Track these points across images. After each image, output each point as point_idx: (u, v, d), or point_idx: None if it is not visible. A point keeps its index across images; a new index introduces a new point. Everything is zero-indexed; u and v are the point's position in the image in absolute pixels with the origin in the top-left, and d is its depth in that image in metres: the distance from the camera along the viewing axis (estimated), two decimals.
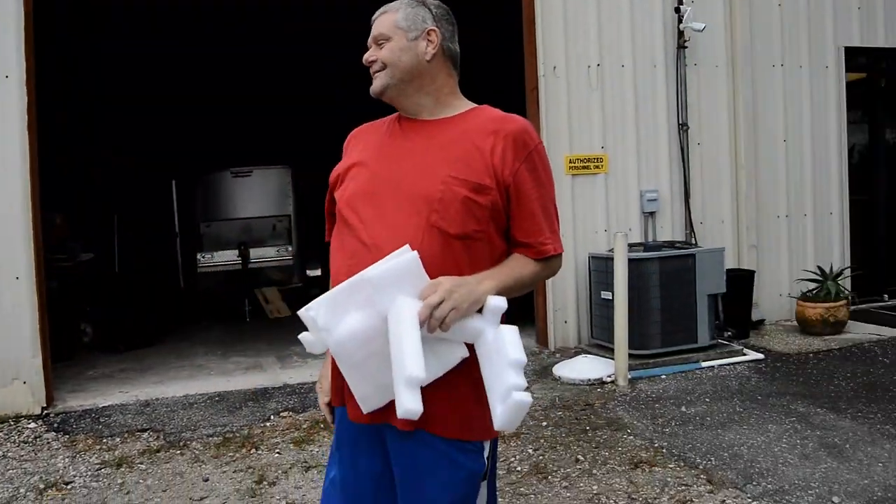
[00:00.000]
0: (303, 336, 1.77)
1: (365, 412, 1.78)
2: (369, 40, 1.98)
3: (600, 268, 6.33)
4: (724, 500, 3.46)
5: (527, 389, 1.63)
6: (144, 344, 7.97)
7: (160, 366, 7.08)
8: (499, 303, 1.72)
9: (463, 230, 1.79)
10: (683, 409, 4.87)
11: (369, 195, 1.87)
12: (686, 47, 7.11)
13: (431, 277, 1.71)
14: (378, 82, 1.95)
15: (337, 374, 1.87)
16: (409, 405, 1.57)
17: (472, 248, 1.81)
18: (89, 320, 8.19)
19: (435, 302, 1.65)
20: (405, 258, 1.68)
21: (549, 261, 1.93)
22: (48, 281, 5.97)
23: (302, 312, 1.73)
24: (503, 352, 1.65)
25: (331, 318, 1.69)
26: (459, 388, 1.78)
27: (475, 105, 2.00)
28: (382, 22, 1.96)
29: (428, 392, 1.64)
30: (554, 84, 6.81)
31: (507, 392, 1.60)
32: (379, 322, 1.67)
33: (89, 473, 4.26)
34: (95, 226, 10.48)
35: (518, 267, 1.87)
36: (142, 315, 8.22)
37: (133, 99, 11.94)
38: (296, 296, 10.34)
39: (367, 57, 1.97)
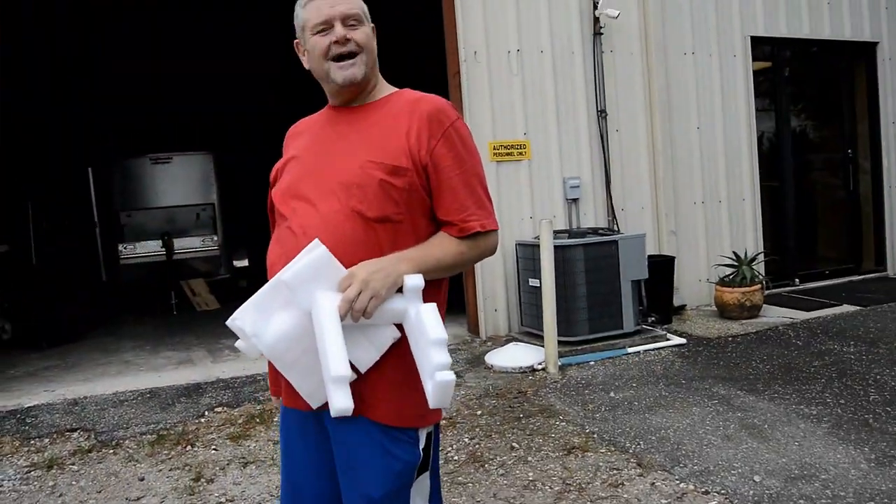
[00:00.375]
0: (238, 344, 1.79)
1: (314, 407, 1.82)
2: (334, 14, 1.88)
3: (527, 255, 6.48)
4: (654, 483, 3.62)
5: (459, 376, 1.70)
6: (67, 340, 7.77)
7: (86, 362, 6.93)
8: (416, 281, 1.74)
9: (382, 213, 1.81)
10: (612, 394, 5.06)
11: (299, 185, 1.91)
12: (602, 34, 7.27)
13: (357, 260, 1.75)
14: (358, 70, 1.90)
15: (273, 367, 1.90)
16: (340, 404, 1.62)
17: (394, 231, 1.82)
18: (7, 316, 7.93)
19: (352, 295, 1.67)
20: (315, 254, 1.70)
21: (476, 238, 1.88)
22: None
23: (229, 323, 1.76)
24: (425, 331, 1.67)
25: (258, 324, 1.72)
26: (393, 371, 1.81)
27: (396, 89, 2.02)
28: (351, 2, 1.91)
29: (366, 375, 1.71)
30: (476, 69, 6.87)
31: (433, 371, 1.64)
32: (305, 319, 1.70)
33: (18, 477, 4.16)
34: (9, 215, 10.06)
35: (438, 245, 1.85)
36: (63, 309, 7.99)
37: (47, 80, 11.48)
38: (223, 287, 10.23)
39: (342, 34, 1.88)
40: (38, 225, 10.31)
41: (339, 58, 1.89)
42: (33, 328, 7.65)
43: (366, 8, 1.97)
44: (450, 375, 1.65)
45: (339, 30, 1.88)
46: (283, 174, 2.01)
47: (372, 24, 1.97)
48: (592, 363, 5.85)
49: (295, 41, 2.02)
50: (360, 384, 1.76)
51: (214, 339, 7.52)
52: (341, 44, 1.88)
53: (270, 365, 1.93)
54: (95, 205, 10.97)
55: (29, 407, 5.46)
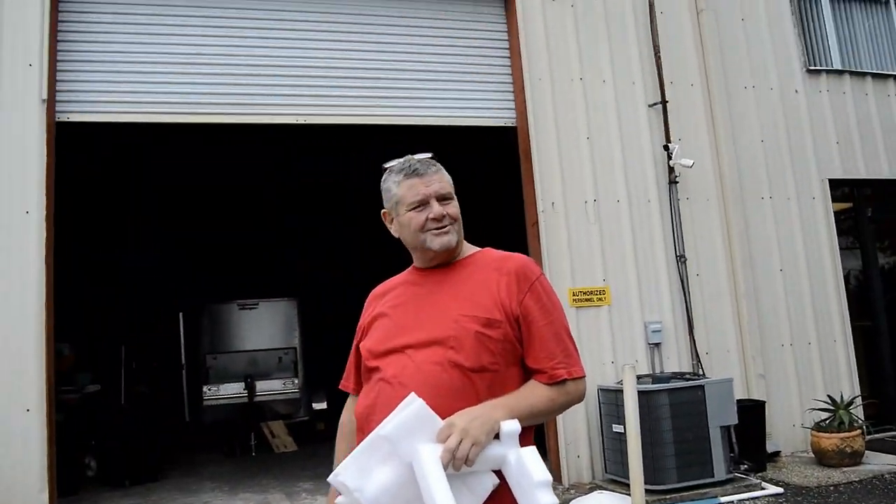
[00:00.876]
0: (338, 500, 1.80)
1: None
2: (430, 193, 2.04)
3: (610, 400, 6.37)
4: None
5: None
6: (149, 479, 7.87)
7: (166, 501, 6.98)
8: (512, 426, 1.79)
9: (478, 363, 1.89)
10: None
11: (390, 340, 2.01)
12: (677, 182, 7.45)
13: (454, 409, 1.80)
14: (453, 238, 2.05)
15: None
16: None
17: (489, 380, 1.90)
18: (94, 454, 8.11)
19: (454, 444, 1.71)
20: (413, 407, 1.76)
21: (565, 385, 1.95)
22: (55, 413, 5.97)
23: (331, 479, 1.79)
24: (528, 474, 1.70)
25: (359, 479, 1.75)
26: None
27: (478, 248, 2.16)
28: (444, 179, 2.09)
29: None
30: (553, 219, 7.07)
31: None
32: (406, 471, 1.73)
33: None
34: (102, 357, 10.50)
35: (530, 393, 1.91)
36: (147, 449, 8.13)
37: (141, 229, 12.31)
38: (302, 429, 10.27)
39: (441, 211, 2.03)
40: (129, 366, 10.71)
41: (436, 229, 2.04)
42: (118, 466, 7.78)
43: (450, 181, 2.13)
44: None
45: (436, 208, 2.04)
46: (370, 331, 2.12)
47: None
48: None
49: (383, 211, 2.18)
50: None
51: (292, 481, 7.48)
52: (438, 220, 2.04)
53: None
54: (184, 348, 11.36)
55: None
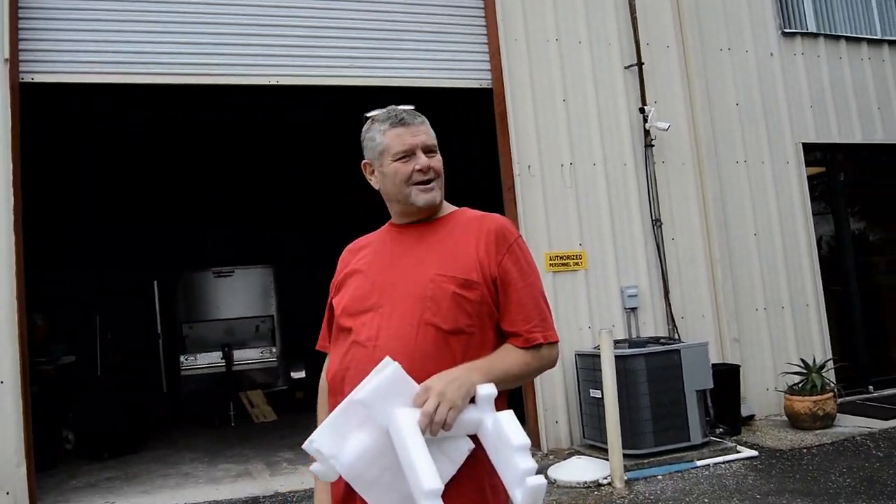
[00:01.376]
0: (313, 467, 1.78)
1: None
2: (417, 143, 2.00)
3: (587, 365, 6.41)
4: None
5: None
6: (128, 451, 7.84)
7: (146, 474, 6.95)
8: (489, 390, 1.76)
9: (455, 325, 1.87)
10: None
11: (365, 299, 1.97)
12: (653, 146, 7.43)
13: (430, 372, 1.77)
14: (437, 195, 2.02)
15: (341, 499, 1.89)
16: None
17: (465, 342, 1.87)
18: (71, 426, 8.06)
19: (431, 408, 1.68)
20: (388, 371, 1.72)
21: (540, 349, 1.93)
22: (30, 386, 5.89)
23: (306, 446, 1.75)
24: (506, 438, 1.68)
25: (334, 445, 1.72)
26: (470, 482, 1.81)
27: (455, 208, 2.12)
28: (429, 132, 2.05)
29: (446, 491, 1.68)
30: (530, 182, 7.04)
31: (522, 478, 1.64)
32: (382, 436, 1.71)
33: None
34: (77, 327, 10.38)
35: (505, 356, 1.89)
36: (125, 420, 8.09)
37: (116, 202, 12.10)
38: (281, 398, 10.26)
39: (426, 163, 1.99)
40: (104, 336, 10.59)
41: (422, 183, 2.00)
42: (96, 439, 7.74)
43: (435, 136, 2.09)
44: (541, 479, 1.65)
45: (422, 159, 2.00)
46: (343, 288, 2.07)
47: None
48: (660, 477, 5.65)
49: (364, 162, 2.12)
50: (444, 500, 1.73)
51: (272, 451, 7.50)
52: (424, 171, 2.00)
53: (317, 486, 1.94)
54: (159, 317, 11.25)
55: None
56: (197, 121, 9.99)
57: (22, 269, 5.62)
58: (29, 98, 5.94)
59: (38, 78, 5.92)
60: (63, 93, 6.72)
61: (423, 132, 2.03)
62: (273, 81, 6.59)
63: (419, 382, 1.76)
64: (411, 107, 2.09)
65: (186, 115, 9.63)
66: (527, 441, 1.69)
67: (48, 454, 7.09)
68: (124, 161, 11.42)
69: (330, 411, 1.82)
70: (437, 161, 2.04)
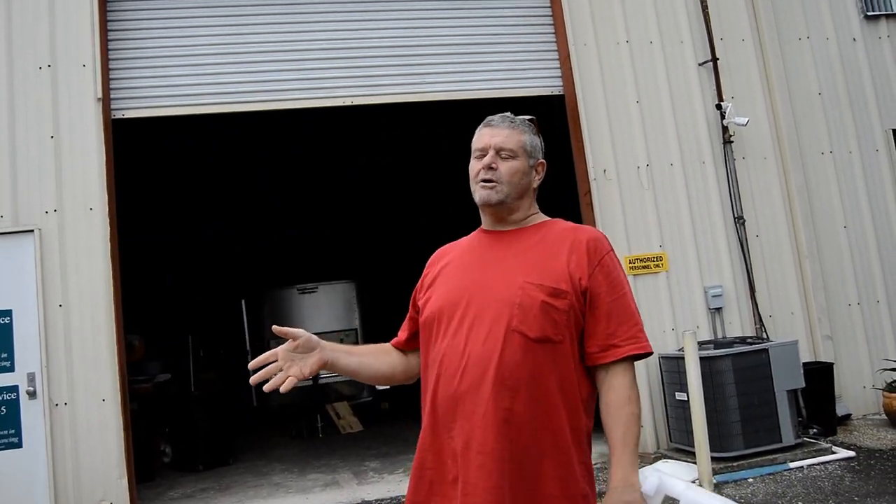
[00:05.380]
0: None
1: None
2: (490, 144, 2.04)
3: (672, 368, 6.29)
4: None
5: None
6: (222, 463, 8.10)
7: (238, 485, 7.17)
8: (650, 486, 1.88)
9: (542, 333, 1.88)
10: None
11: (453, 304, 1.99)
12: (732, 142, 7.27)
13: (517, 379, 1.83)
14: (495, 195, 2.02)
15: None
16: None
17: (551, 351, 1.89)
18: (168, 440, 8.39)
19: None
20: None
21: (633, 361, 1.95)
22: (130, 403, 6.20)
23: None
24: None
25: None
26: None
27: (548, 218, 2.13)
28: (511, 136, 2.05)
29: None
30: (606, 186, 6.99)
31: None
32: None
33: None
34: (171, 346, 10.82)
35: (621, 424, 1.89)
36: (218, 434, 8.38)
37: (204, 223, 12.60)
38: (367, 410, 10.42)
39: (490, 161, 2.03)
40: (197, 355, 11.01)
41: (484, 181, 2.04)
42: (191, 452, 8.04)
43: (533, 144, 2.10)
44: None
45: (489, 159, 2.03)
46: (432, 288, 2.11)
47: (540, 161, 2.12)
48: (751, 480, 5.49)
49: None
50: None
51: (359, 461, 7.61)
52: (486, 169, 2.03)
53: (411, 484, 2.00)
54: (248, 334, 11.61)
55: None
56: (280, 143, 10.32)
57: (119, 295, 5.95)
58: (123, 131, 6.28)
59: (129, 114, 6.28)
60: (152, 125, 7.06)
61: (504, 134, 2.06)
62: (349, 102, 6.76)
63: (506, 389, 1.84)
64: (528, 117, 2.15)
65: (273, 139, 9.97)
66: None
67: (147, 467, 7.40)
68: (214, 184, 11.88)
69: (422, 413, 1.98)
70: (507, 165, 2.04)
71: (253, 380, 1.94)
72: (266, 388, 1.91)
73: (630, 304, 1.99)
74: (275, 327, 2.00)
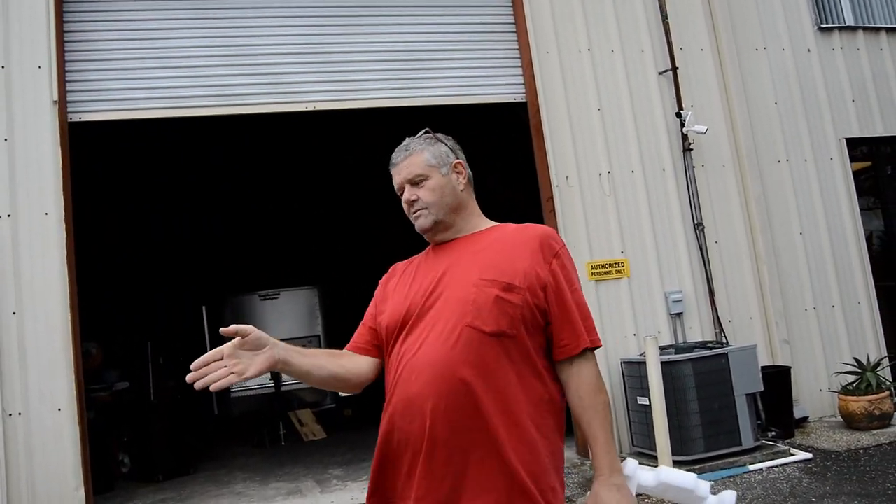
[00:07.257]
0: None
1: None
2: (401, 181, 2.14)
3: (633, 373, 6.35)
4: None
5: (571, 501, 1.89)
6: (182, 472, 7.97)
7: (199, 495, 7.06)
8: (628, 472, 1.98)
9: (497, 328, 1.91)
10: None
11: (410, 310, 2.03)
12: (691, 149, 7.37)
13: (474, 375, 1.86)
14: (425, 220, 2.11)
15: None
16: None
17: (506, 345, 1.91)
18: (127, 450, 8.23)
19: None
20: None
21: (593, 352, 2.01)
22: (87, 412, 6.06)
23: None
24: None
25: None
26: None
27: (495, 223, 2.19)
28: (413, 162, 2.13)
29: None
30: (568, 193, 7.03)
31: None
32: None
33: None
34: (129, 354, 10.61)
35: (594, 419, 1.95)
36: (178, 443, 8.24)
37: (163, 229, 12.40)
38: (330, 417, 10.35)
39: (408, 196, 2.12)
40: (156, 362, 10.81)
41: (413, 212, 2.14)
42: (151, 462, 7.90)
43: (437, 153, 2.15)
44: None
45: (406, 194, 2.15)
46: (388, 304, 2.14)
47: (455, 161, 2.17)
48: (712, 483, 5.51)
49: None
50: None
51: (322, 468, 7.55)
52: (408, 204, 2.15)
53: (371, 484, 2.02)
54: (209, 341, 11.44)
55: None
56: (242, 148, 10.21)
57: (76, 301, 5.80)
58: (81, 136, 6.15)
59: (85, 117, 6.14)
60: (108, 128, 6.93)
61: (406, 166, 2.14)
62: (310, 108, 6.71)
63: (462, 384, 1.86)
64: (422, 131, 2.22)
65: (233, 144, 9.85)
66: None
67: (105, 477, 7.25)
68: (173, 191, 11.71)
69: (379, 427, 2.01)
70: (424, 190, 2.12)
71: (189, 378, 1.79)
72: (197, 385, 1.76)
73: (583, 297, 2.07)
74: (222, 329, 1.88)
